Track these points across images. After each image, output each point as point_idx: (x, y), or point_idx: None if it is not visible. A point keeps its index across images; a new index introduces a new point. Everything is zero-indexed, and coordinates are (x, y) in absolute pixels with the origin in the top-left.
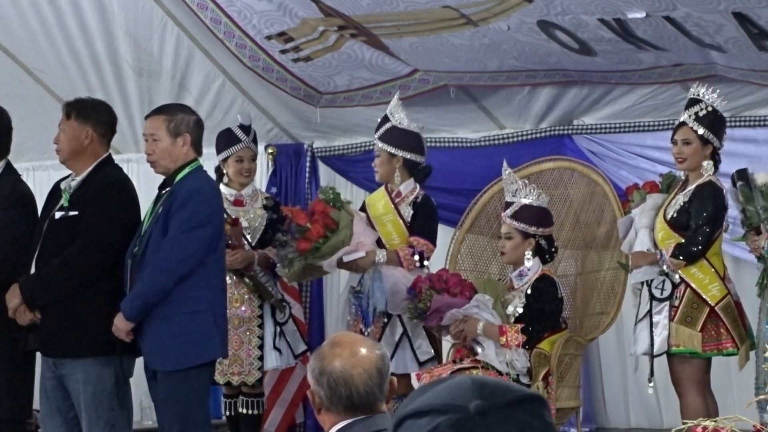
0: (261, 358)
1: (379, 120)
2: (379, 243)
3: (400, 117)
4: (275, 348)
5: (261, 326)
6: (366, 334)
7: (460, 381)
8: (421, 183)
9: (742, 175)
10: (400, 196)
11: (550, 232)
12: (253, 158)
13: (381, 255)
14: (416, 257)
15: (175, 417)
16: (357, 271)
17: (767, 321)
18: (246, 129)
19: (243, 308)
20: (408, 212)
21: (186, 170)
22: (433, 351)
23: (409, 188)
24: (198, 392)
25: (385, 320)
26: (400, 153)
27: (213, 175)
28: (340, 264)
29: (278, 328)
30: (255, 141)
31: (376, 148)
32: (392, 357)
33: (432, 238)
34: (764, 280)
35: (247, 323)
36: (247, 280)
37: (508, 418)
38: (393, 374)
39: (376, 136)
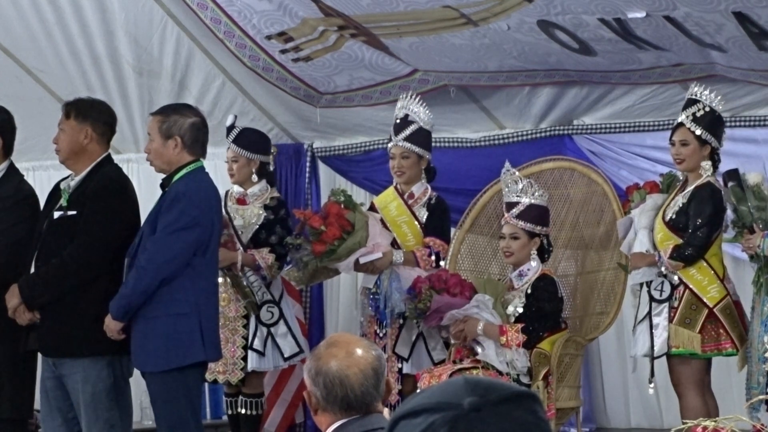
0: (245, 359)
1: (398, 120)
2: (393, 244)
3: (427, 118)
4: (254, 349)
5: (246, 326)
6: (381, 335)
7: (453, 380)
8: (430, 182)
9: (733, 176)
10: (413, 197)
11: (549, 231)
12: (236, 159)
13: (398, 255)
14: (433, 257)
15: (162, 418)
16: (373, 273)
17: (762, 322)
18: (228, 130)
19: (229, 307)
20: (423, 213)
21: (183, 172)
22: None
23: (422, 189)
24: (185, 394)
25: (401, 321)
26: (427, 155)
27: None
28: (357, 265)
29: (266, 330)
30: (243, 143)
31: (402, 150)
32: (408, 358)
33: (447, 239)
34: (760, 278)
35: (232, 322)
36: (228, 279)
37: (502, 414)
38: (407, 374)
39: (401, 138)
